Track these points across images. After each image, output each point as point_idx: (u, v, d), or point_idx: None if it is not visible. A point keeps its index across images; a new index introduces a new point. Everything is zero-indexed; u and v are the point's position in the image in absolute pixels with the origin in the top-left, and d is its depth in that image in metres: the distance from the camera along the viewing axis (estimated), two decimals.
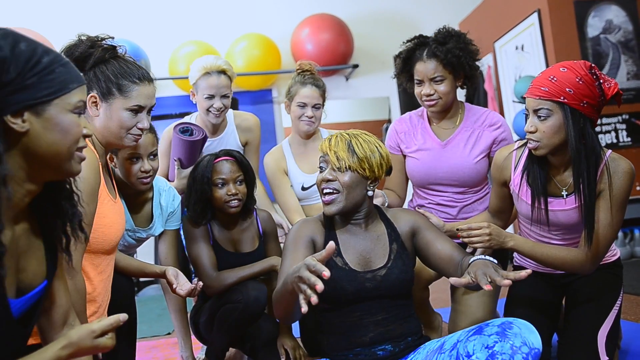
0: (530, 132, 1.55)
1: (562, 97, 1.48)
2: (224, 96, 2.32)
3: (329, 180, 1.50)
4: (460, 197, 2.05)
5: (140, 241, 2.05)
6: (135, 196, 1.95)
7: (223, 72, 2.31)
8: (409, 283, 1.53)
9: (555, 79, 1.50)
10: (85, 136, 1.01)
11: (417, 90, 2.01)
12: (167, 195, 2.03)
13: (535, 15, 3.78)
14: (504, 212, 1.85)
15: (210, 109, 2.30)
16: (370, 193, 1.53)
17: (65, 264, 1.12)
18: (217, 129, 2.43)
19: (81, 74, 1.03)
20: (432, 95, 1.96)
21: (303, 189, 2.28)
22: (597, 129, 3.59)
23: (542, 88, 1.51)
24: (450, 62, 1.93)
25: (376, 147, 1.52)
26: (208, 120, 2.37)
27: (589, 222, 1.54)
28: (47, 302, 1.11)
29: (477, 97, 4.60)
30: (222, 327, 1.93)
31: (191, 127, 2.30)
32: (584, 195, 1.53)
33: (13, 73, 0.89)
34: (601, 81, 1.51)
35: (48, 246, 1.06)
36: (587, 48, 3.71)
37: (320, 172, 1.53)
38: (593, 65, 1.53)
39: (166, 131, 2.44)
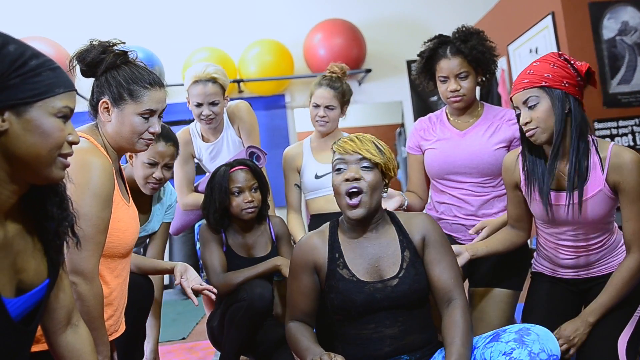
0: (527, 124, 1.63)
1: (543, 82, 1.60)
2: (212, 103, 2.36)
3: (355, 179, 1.45)
4: (479, 190, 2.03)
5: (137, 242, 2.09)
6: (135, 194, 2.01)
7: (212, 79, 2.36)
8: (423, 292, 1.49)
9: (532, 71, 1.64)
10: (70, 143, 1.00)
11: (442, 87, 2.05)
12: (165, 190, 2.13)
13: (549, 17, 3.75)
14: (523, 221, 1.84)
15: (200, 117, 2.37)
16: (384, 195, 1.51)
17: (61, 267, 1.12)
18: (216, 133, 2.49)
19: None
20: (459, 90, 2.00)
21: (316, 177, 2.34)
22: (614, 131, 3.57)
23: (524, 81, 1.64)
24: (476, 57, 1.99)
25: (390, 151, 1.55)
26: (201, 126, 2.44)
27: (580, 196, 1.60)
28: (51, 303, 1.11)
29: (490, 100, 4.56)
30: (232, 326, 1.98)
31: (257, 152, 2.37)
32: (576, 166, 1.59)
33: None
34: (572, 62, 1.64)
35: (46, 245, 1.06)
36: (603, 50, 3.67)
37: (339, 173, 1.49)
38: (561, 52, 1.66)
39: (178, 135, 2.51)
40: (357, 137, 1.51)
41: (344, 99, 2.34)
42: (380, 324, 1.44)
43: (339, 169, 1.49)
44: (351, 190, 1.45)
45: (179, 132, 2.53)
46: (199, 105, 2.37)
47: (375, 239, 1.51)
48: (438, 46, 2.04)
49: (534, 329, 1.33)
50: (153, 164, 1.92)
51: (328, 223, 1.59)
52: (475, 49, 1.98)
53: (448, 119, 2.13)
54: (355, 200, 1.45)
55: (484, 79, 2.10)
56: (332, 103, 2.31)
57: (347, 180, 1.46)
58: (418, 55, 2.11)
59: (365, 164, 1.47)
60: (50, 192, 1.04)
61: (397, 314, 1.44)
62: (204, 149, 2.52)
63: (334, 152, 1.53)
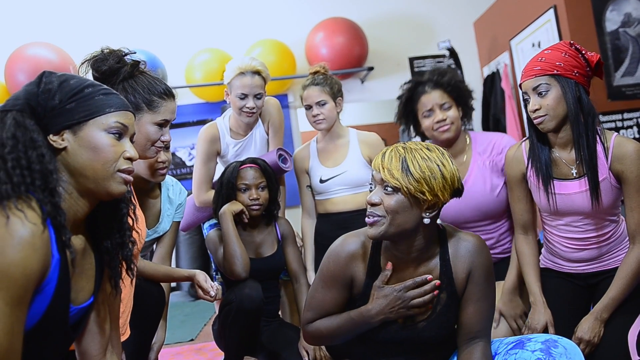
0: (535, 111, 1.65)
1: (555, 71, 1.63)
2: (257, 96, 2.35)
3: (372, 204, 1.31)
4: (492, 227, 2.10)
5: (146, 246, 2.09)
6: (145, 196, 2.00)
7: (257, 72, 2.35)
8: (449, 337, 1.39)
9: (544, 58, 1.66)
10: (128, 159, 1.09)
11: (427, 122, 2.06)
12: (174, 190, 2.10)
13: (552, 11, 3.73)
14: (531, 218, 1.85)
15: (243, 109, 2.34)
16: (426, 221, 1.30)
17: (109, 287, 1.18)
18: (247, 129, 2.47)
19: (126, 101, 1.12)
20: (445, 120, 2.01)
21: (321, 181, 2.36)
22: (619, 124, 3.56)
23: (535, 68, 1.66)
24: (455, 88, 2.02)
25: (438, 165, 1.29)
26: (241, 120, 2.41)
27: (594, 183, 1.61)
28: (98, 326, 1.18)
29: (494, 96, 4.55)
30: (226, 330, 1.99)
31: (285, 156, 2.38)
32: (584, 153, 1.62)
33: (57, 100, 1.04)
34: (583, 52, 1.67)
35: (99, 265, 1.14)
36: (606, 43, 3.65)
37: (370, 191, 1.35)
38: (572, 42, 1.68)
39: (203, 131, 2.46)
40: (391, 151, 1.32)
41: (332, 91, 2.34)
42: (396, 352, 1.39)
43: (370, 187, 1.36)
44: (368, 216, 1.32)
45: (205, 127, 2.47)
46: (244, 97, 2.33)
47: (415, 273, 1.36)
48: (416, 86, 2.07)
49: (561, 342, 1.31)
50: (161, 149, 1.91)
51: None
52: (453, 80, 2.02)
53: None
54: (370, 219, 1.31)
55: (463, 117, 2.10)
56: (322, 98, 2.32)
57: (368, 204, 1.32)
58: (397, 99, 2.13)
59: (386, 187, 1.29)
60: (111, 214, 1.13)
61: (417, 353, 1.39)
62: (231, 145, 2.47)
63: None
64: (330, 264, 1.40)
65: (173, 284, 4.66)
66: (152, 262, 1.95)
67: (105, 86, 1.11)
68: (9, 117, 1.01)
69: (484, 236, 2.05)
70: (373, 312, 1.33)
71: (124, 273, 1.17)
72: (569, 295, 1.77)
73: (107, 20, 4.87)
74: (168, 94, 1.53)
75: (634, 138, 3.67)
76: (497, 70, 4.56)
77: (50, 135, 1.04)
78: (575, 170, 1.68)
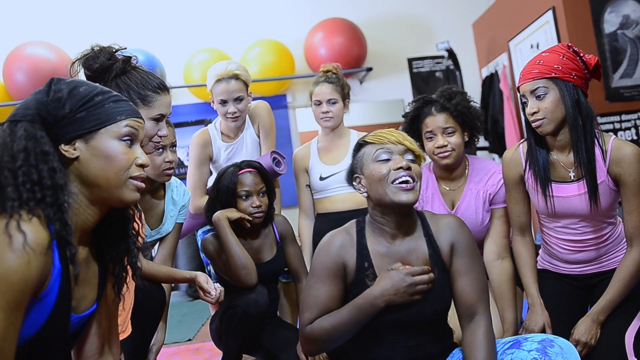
0: (533, 114, 1.65)
1: (553, 73, 1.62)
2: (237, 100, 2.36)
3: (409, 168, 1.40)
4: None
5: (147, 246, 2.08)
6: (149, 196, 1.99)
7: (234, 76, 2.36)
8: (446, 310, 1.43)
9: (542, 61, 1.65)
10: (140, 165, 1.08)
11: (429, 145, 2.00)
12: (178, 191, 2.09)
13: (550, 12, 3.74)
14: (528, 220, 1.85)
15: (226, 115, 2.37)
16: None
17: (112, 293, 1.17)
18: (237, 132, 2.49)
19: (137, 109, 1.11)
20: (446, 146, 1.95)
21: (321, 178, 2.36)
22: (617, 125, 3.56)
23: (534, 71, 1.65)
24: (461, 113, 1.95)
25: None
26: (227, 124, 2.43)
27: (593, 186, 1.61)
28: (94, 328, 1.17)
29: (492, 97, 4.56)
30: (228, 331, 1.98)
31: (278, 158, 2.38)
32: (582, 156, 1.61)
33: (67, 109, 1.03)
34: (581, 54, 1.68)
35: (102, 272, 1.13)
36: (604, 44, 3.66)
37: (384, 162, 1.41)
38: (570, 44, 1.68)
39: (195, 136, 2.48)
40: (394, 130, 1.48)
41: (343, 91, 2.38)
42: (398, 337, 1.40)
43: (384, 159, 1.42)
44: (406, 179, 1.39)
45: (197, 133, 2.50)
46: (224, 102, 2.37)
47: (405, 248, 1.43)
48: (423, 105, 2.03)
49: (557, 341, 1.31)
50: (162, 149, 1.87)
51: (353, 223, 1.51)
52: (460, 105, 1.96)
53: (438, 183, 2.07)
54: (411, 184, 1.39)
55: (471, 139, 2.05)
56: (333, 96, 2.35)
57: (400, 168, 1.39)
58: (403, 117, 2.10)
59: (410, 157, 1.43)
60: (118, 221, 1.12)
61: (416, 330, 1.40)
62: (222, 149, 2.49)
63: (368, 143, 1.46)
64: (322, 256, 1.44)
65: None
66: (153, 262, 1.94)
67: (114, 92, 1.10)
68: (20, 128, 0.99)
69: None
70: (377, 292, 1.35)
71: (129, 279, 1.16)
72: (566, 297, 1.78)
73: (106, 19, 4.86)
74: (162, 88, 1.51)
75: (632, 140, 3.67)
76: (496, 72, 4.57)
77: (62, 145, 1.02)
78: (573, 173, 1.68)
